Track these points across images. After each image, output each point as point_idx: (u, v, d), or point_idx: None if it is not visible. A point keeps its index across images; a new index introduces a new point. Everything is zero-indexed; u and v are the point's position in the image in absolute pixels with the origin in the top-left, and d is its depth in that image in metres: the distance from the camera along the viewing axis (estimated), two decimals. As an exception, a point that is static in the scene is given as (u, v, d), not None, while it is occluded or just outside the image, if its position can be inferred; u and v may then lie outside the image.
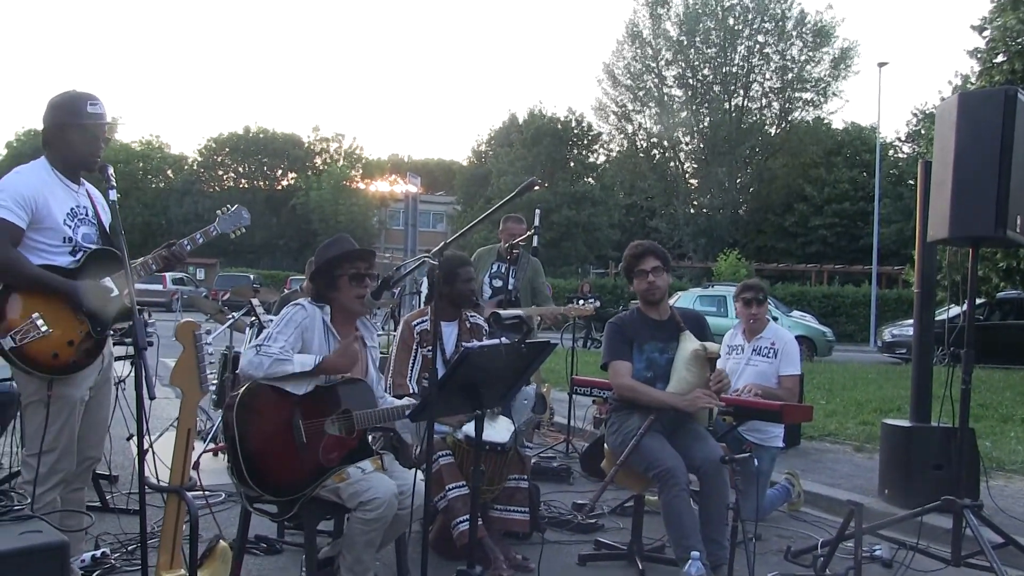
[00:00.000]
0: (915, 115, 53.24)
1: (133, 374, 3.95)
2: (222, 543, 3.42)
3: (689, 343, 5.15)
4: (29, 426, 4.07)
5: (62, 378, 3.97)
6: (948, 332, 5.70)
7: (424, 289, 8.56)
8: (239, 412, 4.01)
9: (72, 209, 4.12)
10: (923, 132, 40.48)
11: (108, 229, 4.33)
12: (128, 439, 5.89)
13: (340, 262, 4.41)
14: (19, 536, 2.83)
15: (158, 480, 4.17)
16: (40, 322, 3.81)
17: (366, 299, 4.48)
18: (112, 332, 4.35)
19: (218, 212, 4.75)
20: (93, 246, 4.19)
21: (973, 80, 17.67)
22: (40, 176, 4.08)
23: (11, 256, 3.85)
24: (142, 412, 3.58)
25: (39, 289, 3.89)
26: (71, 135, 4.09)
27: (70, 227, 4.08)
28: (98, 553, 4.76)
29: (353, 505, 4.08)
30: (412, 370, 5.51)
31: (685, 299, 24.87)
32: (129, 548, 5.02)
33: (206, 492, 6.22)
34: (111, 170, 4.04)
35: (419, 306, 9.26)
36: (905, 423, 7.11)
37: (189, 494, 3.21)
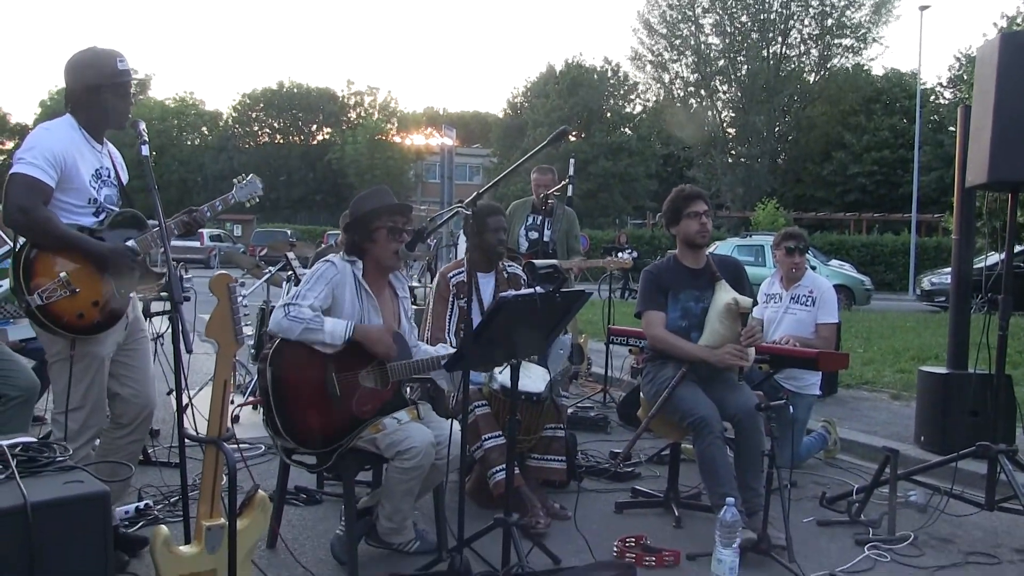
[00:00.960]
0: (957, 59, 52.25)
1: (170, 329, 4.02)
2: (260, 493, 3.47)
3: (723, 294, 5.11)
4: (56, 385, 4.10)
5: (85, 338, 3.99)
6: (985, 279, 5.65)
7: (461, 242, 8.57)
8: (272, 366, 4.06)
9: (96, 170, 4.11)
10: (965, 77, 39.90)
11: (125, 190, 4.35)
12: (168, 394, 5.96)
13: (378, 215, 4.37)
14: (62, 486, 2.89)
15: (198, 434, 4.22)
16: (67, 282, 3.82)
17: (400, 252, 4.47)
18: (152, 289, 4.41)
19: (234, 181, 4.72)
20: (115, 208, 4.20)
21: (1020, 21, 17.33)
22: (70, 135, 4.03)
23: (43, 215, 3.82)
24: (180, 366, 3.63)
25: (68, 249, 3.88)
26: (104, 95, 4.05)
27: (95, 188, 4.06)
28: (141, 505, 4.85)
29: (391, 455, 4.13)
30: (450, 323, 5.50)
31: (723, 248, 24.68)
32: (171, 499, 5.11)
33: (240, 445, 6.34)
34: (143, 125, 4.01)
35: (455, 258, 9.27)
36: (942, 370, 7.08)
37: (227, 445, 3.24)
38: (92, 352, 4.03)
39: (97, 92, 4.04)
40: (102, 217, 4.11)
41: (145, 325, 4.61)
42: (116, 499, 4.37)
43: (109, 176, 4.20)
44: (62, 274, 3.83)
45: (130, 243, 4.06)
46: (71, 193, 3.97)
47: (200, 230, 4.36)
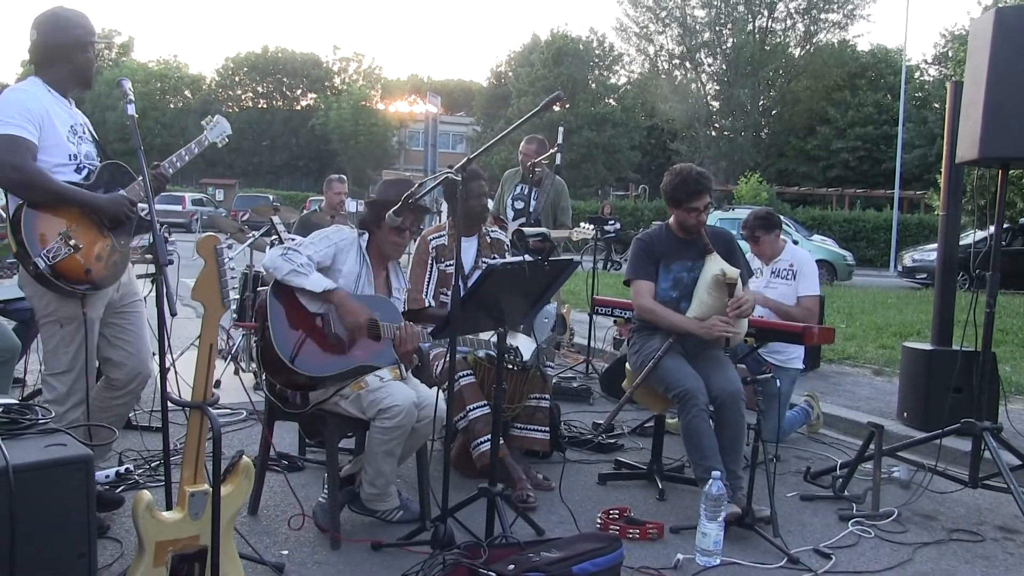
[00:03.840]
0: (943, 36, 52.40)
1: (155, 292, 3.98)
2: (245, 459, 3.43)
3: (712, 265, 5.07)
4: (47, 346, 4.09)
5: (93, 295, 3.98)
6: (972, 256, 5.63)
7: (444, 208, 8.53)
8: (275, 290, 4.21)
9: (72, 127, 4.06)
10: (950, 54, 39.92)
11: (102, 145, 4.30)
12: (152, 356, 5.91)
13: (390, 208, 4.37)
14: (44, 449, 2.84)
15: (180, 397, 4.19)
16: (69, 237, 3.81)
17: (398, 244, 4.59)
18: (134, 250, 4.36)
19: (202, 123, 4.67)
20: (96, 163, 4.14)
21: (1006, -1, 17.36)
22: (40, 93, 3.99)
23: (33, 168, 3.78)
24: (163, 329, 3.58)
25: (65, 202, 3.85)
26: (75, 54, 4.04)
27: (73, 144, 4.01)
28: (122, 469, 4.81)
29: (372, 414, 4.13)
30: (428, 285, 5.49)
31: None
32: (152, 464, 5.07)
33: (227, 410, 6.31)
34: (128, 84, 3.96)
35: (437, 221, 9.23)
36: (926, 346, 7.09)
37: (211, 410, 3.21)
38: (83, 313, 3.99)
39: (64, 51, 4.02)
40: (84, 174, 4.05)
41: (139, 288, 4.56)
42: (98, 460, 4.33)
43: (84, 132, 4.14)
44: (62, 230, 3.81)
45: (122, 192, 4.04)
46: (51, 151, 3.90)
47: (177, 193, 4.35)
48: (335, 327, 4.28)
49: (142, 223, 4.15)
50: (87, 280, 3.90)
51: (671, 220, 5.33)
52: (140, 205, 4.08)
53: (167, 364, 3.60)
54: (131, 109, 3.86)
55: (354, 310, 4.27)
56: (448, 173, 4.09)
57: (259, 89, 67.83)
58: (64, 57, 4.03)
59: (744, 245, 6.10)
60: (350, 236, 4.53)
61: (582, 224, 8.04)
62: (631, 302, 5.46)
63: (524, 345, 5.08)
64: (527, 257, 4.24)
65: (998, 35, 4.77)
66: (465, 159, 4.16)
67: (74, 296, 3.92)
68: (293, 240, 5.85)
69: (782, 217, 8.01)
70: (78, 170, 4.02)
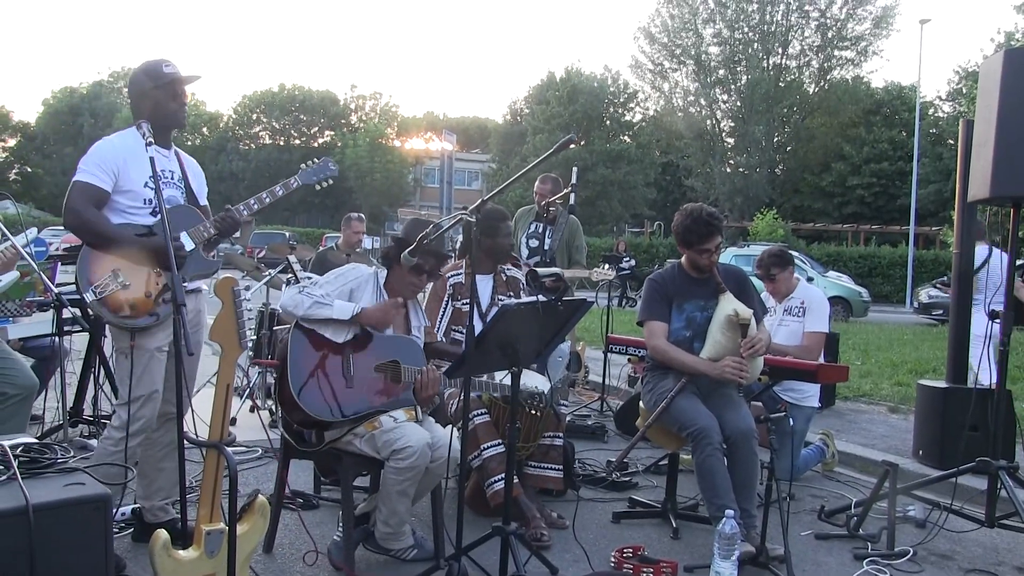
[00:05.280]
0: (957, 73, 52.33)
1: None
2: (261, 498, 3.46)
3: (725, 304, 5.08)
4: (116, 376, 4.45)
5: (144, 329, 4.20)
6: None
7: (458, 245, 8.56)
8: (296, 333, 4.23)
9: (159, 172, 4.22)
10: (964, 91, 39.97)
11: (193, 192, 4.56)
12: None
13: (417, 249, 4.42)
14: (63, 488, 2.88)
15: (197, 435, 4.23)
16: (119, 276, 4.06)
17: (414, 284, 4.62)
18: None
19: (302, 166, 4.84)
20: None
21: (1018, 36, 17.40)
22: (126, 142, 4.29)
23: (90, 215, 4.10)
24: (181, 367, 3.62)
25: (115, 246, 4.10)
26: (156, 97, 4.31)
27: (151, 189, 4.24)
28: (137, 506, 4.83)
29: (386, 454, 4.14)
30: (441, 322, 5.52)
31: (720, 258, 24.73)
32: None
33: (242, 448, 6.33)
34: (147, 126, 4.09)
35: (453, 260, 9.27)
36: (941, 384, 7.07)
37: (228, 449, 3.24)
38: (142, 344, 4.23)
39: (148, 96, 4.32)
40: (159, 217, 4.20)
41: (206, 327, 4.61)
42: (169, 494, 4.62)
43: (172, 177, 4.44)
44: (113, 269, 4.07)
45: (182, 235, 4.27)
46: (127, 195, 4.23)
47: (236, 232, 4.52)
48: (355, 369, 4.28)
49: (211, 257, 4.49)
50: (132, 315, 4.12)
51: (683, 260, 5.36)
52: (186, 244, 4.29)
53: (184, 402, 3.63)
54: (151, 151, 3.96)
55: (377, 317, 4.37)
56: (463, 214, 4.13)
57: (275, 126, 68.21)
58: (143, 106, 4.33)
59: (758, 284, 6.12)
60: (365, 273, 4.57)
61: (603, 265, 8.07)
62: (644, 341, 5.48)
63: (538, 383, 5.11)
64: (541, 297, 4.26)
65: (1008, 76, 4.81)
66: (480, 200, 4.19)
67: (126, 329, 4.18)
68: (309, 278, 5.89)
69: (798, 253, 8.03)
70: (154, 213, 4.27)
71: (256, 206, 4.53)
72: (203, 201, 4.63)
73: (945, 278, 22.52)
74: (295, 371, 4.14)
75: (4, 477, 2.86)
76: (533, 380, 5.08)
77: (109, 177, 4.16)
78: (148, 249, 4.14)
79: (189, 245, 4.28)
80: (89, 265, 4.07)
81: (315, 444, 4.30)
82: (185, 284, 4.21)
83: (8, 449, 3.00)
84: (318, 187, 4.87)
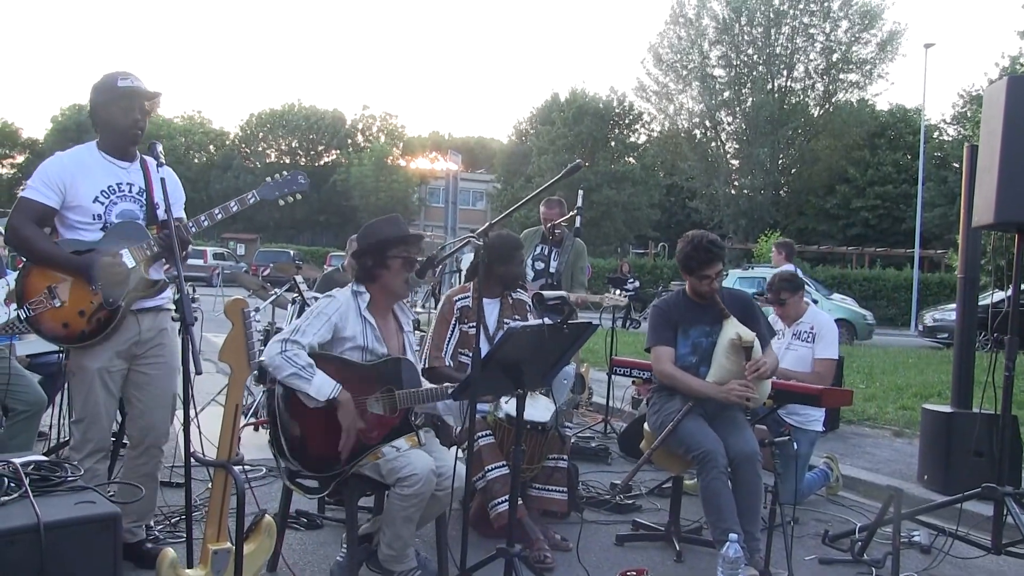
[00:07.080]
0: (961, 97, 52.26)
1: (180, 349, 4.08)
2: (267, 517, 3.47)
3: (729, 329, 5.11)
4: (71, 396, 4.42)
5: (78, 349, 4.21)
6: (991, 317, 5.65)
7: (464, 266, 8.56)
8: (283, 387, 4.09)
9: (109, 187, 4.25)
10: (969, 115, 39.99)
11: (154, 205, 4.38)
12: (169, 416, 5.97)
13: (396, 243, 4.39)
14: (73, 506, 2.90)
15: (203, 454, 4.24)
16: (52, 294, 4.06)
17: (410, 279, 4.51)
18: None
19: (267, 179, 4.68)
20: (136, 221, 4.32)
21: (1023, 61, 17.42)
22: (77, 158, 4.27)
23: (27, 232, 4.11)
24: (189, 386, 3.64)
25: (51, 265, 4.11)
26: (110, 110, 4.25)
27: (102, 204, 4.21)
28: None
29: (391, 481, 4.13)
30: (448, 345, 5.51)
31: (725, 281, 24.68)
32: (173, 520, 5.09)
33: (247, 467, 6.33)
34: (160, 147, 4.15)
35: (459, 284, 9.29)
36: (946, 408, 7.07)
37: (235, 468, 3.25)
38: (83, 364, 4.22)
39: (103, 109, 4.26)
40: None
41: (174, 347, 4.56)
42: (141, 518, 4.54)
43: (131, 191, 4.32)
44: (47, 287, 4.07)
45: (123, 253, 4.19)
46: (76, 210, 4.19)
47: (199, 247, 4.45)
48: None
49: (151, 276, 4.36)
50: (65, 333, 4.13)
51: (686, 285, 5.39)
52: (125, 259, 4.20)
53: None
54: (163, 172, 4.00)
55: (349, 418, 4.13)
56: (471, 238, 4.15)
57: (281, 144, 68.40)
58: (102, 117, 4.29)
59: (767, 308, 6.13)
60: (344, 302, 4.39)
61: (613, 290, 8.08)
62: (651, 365, 5.49)
63: (543, 406, 5.12)
64: (547, 320, 4.28)
65: (1011, 102, 4.85)
66: (487, 223, 4.21)
67: (72, 349, 4.24)
68: (315, 299, 5.88)
69: (802, 275, 8.13)
70: (103, 228, 4.22)
71: (206, 222, 4.47)
72: (178, 213, 4.46)
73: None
74: (286, 430, 4.09)
75: (16, 495, 2.87)
76: (538, 408, 5.10)
77: (55, 193, 4.14)
78: (81, 267, 4.10)
79: (131, 263, 4.19)
80: (26, 281, 4.10)
81: (320, 488, 4.30)
82: (144, 303, 4.31)
83: (20, 467, 3.01)
84: (281, 202, 4.65)
